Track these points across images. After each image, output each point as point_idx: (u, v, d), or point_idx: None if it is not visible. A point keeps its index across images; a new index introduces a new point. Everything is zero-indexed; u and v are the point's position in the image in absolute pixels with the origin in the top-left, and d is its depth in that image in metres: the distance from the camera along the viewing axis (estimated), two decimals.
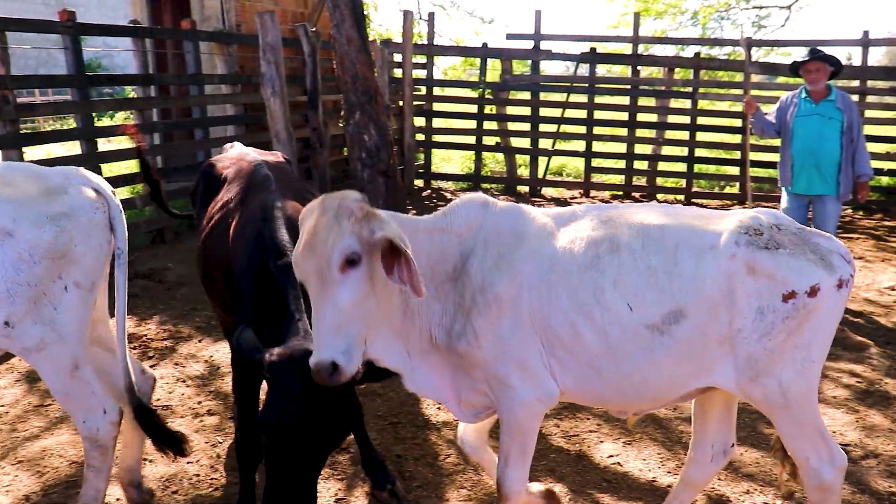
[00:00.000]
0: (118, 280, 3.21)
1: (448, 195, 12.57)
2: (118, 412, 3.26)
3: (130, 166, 10.29)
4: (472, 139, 13.37)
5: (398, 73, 12.97)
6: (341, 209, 2.47)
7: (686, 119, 12.74)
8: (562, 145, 14.04)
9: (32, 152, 8.96)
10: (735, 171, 12.42)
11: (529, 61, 13.16)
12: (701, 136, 12.58)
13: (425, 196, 12.58)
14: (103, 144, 9.57)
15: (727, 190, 12.84)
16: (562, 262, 2.79)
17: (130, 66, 10.36)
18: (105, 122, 15.78)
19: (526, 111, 13.40)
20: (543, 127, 12.99)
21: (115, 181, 8.17)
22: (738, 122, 12.07)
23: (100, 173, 8.21)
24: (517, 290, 2.78)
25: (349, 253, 2.42)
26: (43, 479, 3.92)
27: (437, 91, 13.89)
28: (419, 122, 13.35)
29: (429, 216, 2.94)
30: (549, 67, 23.40)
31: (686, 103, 12.57)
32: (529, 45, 12.82)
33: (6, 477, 3.93)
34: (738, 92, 11.38)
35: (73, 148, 9.46)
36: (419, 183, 13.31)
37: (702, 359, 2.75)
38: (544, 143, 13.26)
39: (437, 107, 13.62)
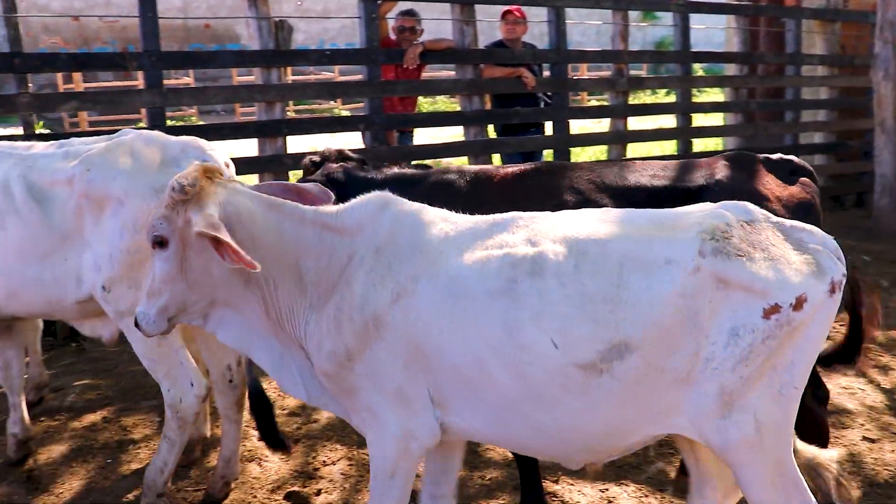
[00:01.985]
0: None
1: None
2: (205, 388, 3.38)
3: (718, 143, 10.73)
4: None
5: None
6: (169, 187, 2.37)
7: None
8: None
9: (636, 122, 9.95)
10: None
11: None
12: None
13: None
14: (699, 119, 10.15)
15: None
16: (466, 285, 2.30)
17: (711, 43, 10.55)
18: (701, 98, 16.57)
19: None
20: None
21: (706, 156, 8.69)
22: None
23: (691, 148, 8.88)
24: (403, 314, 2.34)
25: (154, 235, 2.40)
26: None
27: None
28: None
29: (323, 208, 2.55)
30: None
31: None
32: None
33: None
34: None
35: (670, 121, 10.24)
36: None
37: (655, 400, 2.25)
38: None
39: None
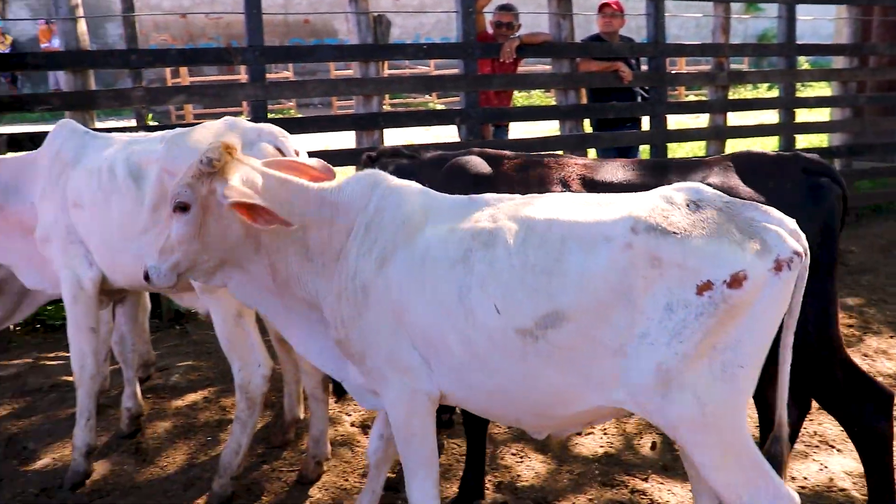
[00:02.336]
0: None
1: None
2: (270, 369, 3.57)
3: (822, 140, 10.35)
4: None
5: None
6: (197, 160, 2.62)
7: None
8: None
9: (736, 118, 9.70)
10: None
11: None
12: None
13: None
14: (803, 115, 9.81)
15: None
16: (433, 255, 2.50)
17: (818, 35, 10.16)
18: (805, 92, 15.98)
19: None
20: None
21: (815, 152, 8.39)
22: None
23: (794, 144, 8.59)
24: (385, 281, 2.55)
25: (178, 200, 2.62)
26: None
27: None
28: None
29: (324, 185, 2.75)
30: None
31: None
32: None
33: None
34: None
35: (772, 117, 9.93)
36: None
37: (592, 370, 2.33)
38: None
39: None
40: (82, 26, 5.78)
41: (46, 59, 6.94)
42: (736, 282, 2.17)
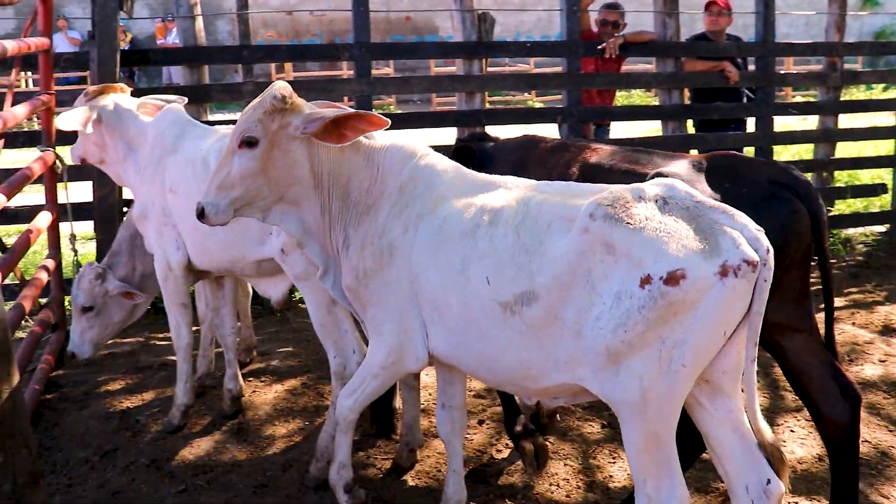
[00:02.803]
0: None
1: None
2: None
3: None
4: None
5: None
6: (262, 99, 2.80)
7: None
8: None
9: (847, 120, 9.35)
10: None
11: None
12: None
13: None
14: None
15: None
16: (449, 225, 2.75)
17: None
18: None
19: None
20: None
21: None
22: None
23: None
24: (408, 243, 2.81)
25: (246, 135, 2.76)
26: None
27: None
28: None
29: (373, 141, 2.95)
30: None
31: None
32: None
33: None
34: None
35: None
36: None
37: (557, 347, 2.50)
38: None
39: None
40: (199, 24, 6.05)
41: (166, 54, 7.28)
42: (673, 279, 2.25)
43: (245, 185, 2.80)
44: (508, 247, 2.58)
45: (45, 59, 4.86)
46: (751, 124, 7.59)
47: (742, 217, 2.37)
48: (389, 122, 2.80)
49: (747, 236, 2.31)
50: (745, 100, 7.36)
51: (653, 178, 3.17)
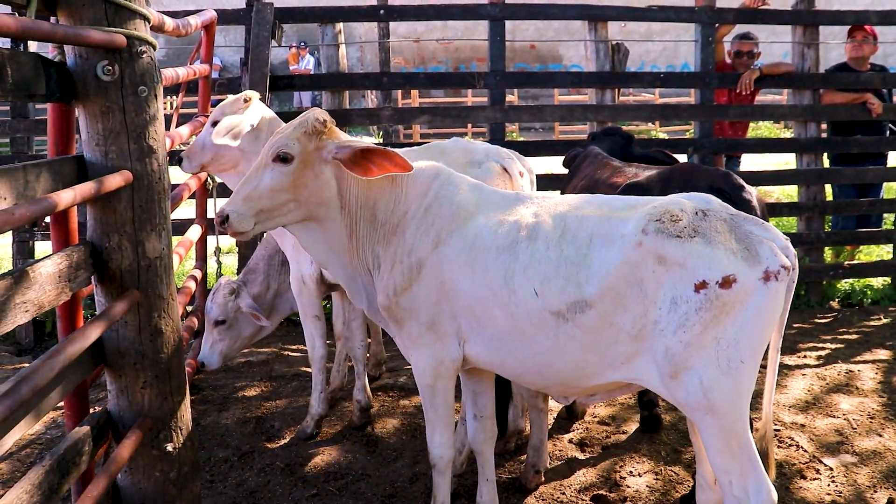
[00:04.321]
0: None
1: None
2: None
3: None
4: None
5: None
6: (303, 120, 2.95)
7: None
8: None
9: None
10: None
11: None
12: None
13: None
14: None
15: None
16: (483, 240, 2.88)
17: None
18: None
19: None
20: None
21: None
22: None
23: None
24: (438, 259, 2.92)
25: (282, 151, 2.88)
26: None
27: None
28: None
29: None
30: None
31: None
32: None
33: None
34: None
35: None
36: None
37: (614, 350, 2.69)
38: None
39: None
40: (342, 51, 6.36)
41: (312, 80, 7.65)
42: (727, 283, 2.50)
43: (272, 199, 2.91)
44: (552, 259, 2.74)
45: (205, 84, 5.23)
46: (893, 158, 7.28)
47: (771, 228, 2.66)
48: (413, 167, 2.95)
49: (779, 245, 2.59)
50: (887, 133, 7.09)
51: (625, 188, 3.83)
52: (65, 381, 2.35)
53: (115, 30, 2.40)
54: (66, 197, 2.08)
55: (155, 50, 2.61)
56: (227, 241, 7.03)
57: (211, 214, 5.53)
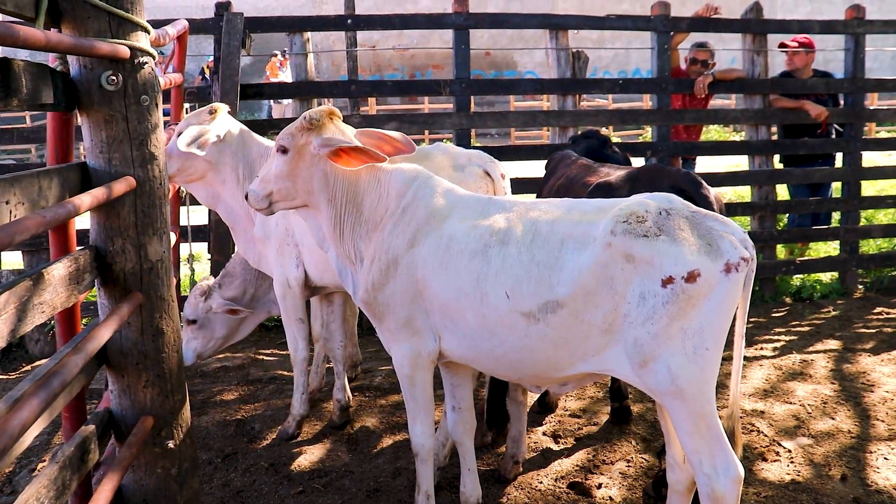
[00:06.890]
0: None
1: None
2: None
3: None
4: None
5: None
6: (302, 117, 3.22)
7: None
8: None
9: None
10: None
11: None
12: None
13: None
14: None
15: None
16: (457, 243, 3.02)
17: None
18: None
19: None
20: None
21: None
22: None
23: None
24: (413, 259, 3.08)
25: (280, 143, 3.22)
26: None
27: None
28: None
29: (384, 166, 3.26)
30: None
31: None
32: None
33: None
34: None
35: None
36: None
37: (585, 344, 2.84)
38: None
39: None
40: (311, 60, 6.47)
41: (281, 88, 7.73)
42: (692, 277, 2.64)
43: (277, 184, 3.25)
44: (524, 263, 2.87)
45: (178, 92, 5.31)
46: (839, 159, 7.64)
47: (730, 222, 2.81)
48: (387, 158, 3.18)
49: (738, 238, 2.73)
50: (833, 135, 7.44)
51: (596, 186, 4.03)
52: (74, 382, 2.44)
53: (119, 41, 2.50)
54: (85, 201, 2.18)
55: (155, 60, 2.71)
56: (199, 249, 7.07)
57: (183, 222, 5.64)
